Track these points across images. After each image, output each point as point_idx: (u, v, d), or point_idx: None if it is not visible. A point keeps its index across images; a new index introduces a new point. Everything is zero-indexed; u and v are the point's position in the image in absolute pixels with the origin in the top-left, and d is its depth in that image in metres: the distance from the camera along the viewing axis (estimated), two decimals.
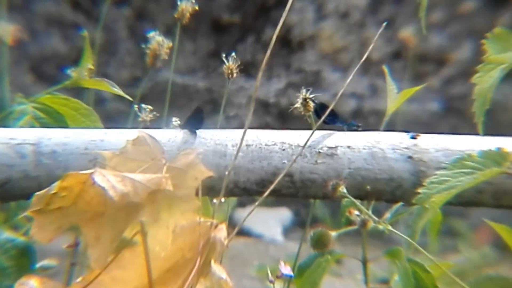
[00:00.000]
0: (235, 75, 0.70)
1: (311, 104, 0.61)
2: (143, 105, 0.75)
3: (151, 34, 0.79)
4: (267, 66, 0.65)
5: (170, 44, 0.79)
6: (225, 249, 0.43)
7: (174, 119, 0.65)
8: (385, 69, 0.68)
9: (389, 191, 0.55)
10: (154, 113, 0.74)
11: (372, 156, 0.55)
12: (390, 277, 0.65)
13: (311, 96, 0.61)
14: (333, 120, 0.60)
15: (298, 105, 0.61)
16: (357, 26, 2.26)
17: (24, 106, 0.69)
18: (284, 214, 2.17)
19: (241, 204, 1.57)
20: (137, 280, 0.42)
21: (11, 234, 0.58)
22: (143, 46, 0.79)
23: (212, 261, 0.42)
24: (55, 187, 0.40)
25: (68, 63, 0.75)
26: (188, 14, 0.81)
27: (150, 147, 0.44)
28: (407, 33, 2.16)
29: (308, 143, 0.56)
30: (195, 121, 0.59)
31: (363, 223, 0.61)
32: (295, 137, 0.57)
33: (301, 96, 0.61)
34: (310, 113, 0.62)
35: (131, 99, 0.73)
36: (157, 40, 0.79)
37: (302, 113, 0.62)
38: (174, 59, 0.82)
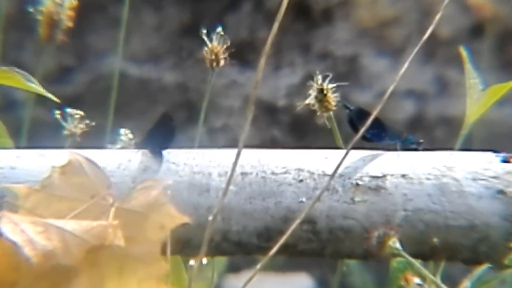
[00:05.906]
0: (222, 62, 0.71)
1: (332, 98, 0.61)
2: (68, 110, 0.75)
3: None
4: (273, 48, 0.65)
5: (75, 3, 0.80)
6: None
7: (124, 131, 0.66)
8: (463, 52, 0.69)
9: (468, 245, 0.55)
10: (88, 121, 0.74)
11: (441, 191, 0.56)
12: None
13: (335, 92, 0.61)
14: (379, 135, 0.61)
15: (310, 100, 0.62)
16: None
17: None
18: (302, 283, 2.17)
19: (234, 268, 1.56)
20: None
21: None
22: (30, 10, 0.80)
23: None
24: None
25: None
26: None
27: (89, 178, 0.44)
28: None
29: (340, 171, 0.56)
30: (161, 135, 0.59)
31: None
32: (318, 161, 0.57)
33: (316, 86, 0.61)
34: (330, 113, 0.62)
35: (58, 100, 0.73)
36: None
37: (318, 113, 0.62)
38: (121, 39, 0.83)
